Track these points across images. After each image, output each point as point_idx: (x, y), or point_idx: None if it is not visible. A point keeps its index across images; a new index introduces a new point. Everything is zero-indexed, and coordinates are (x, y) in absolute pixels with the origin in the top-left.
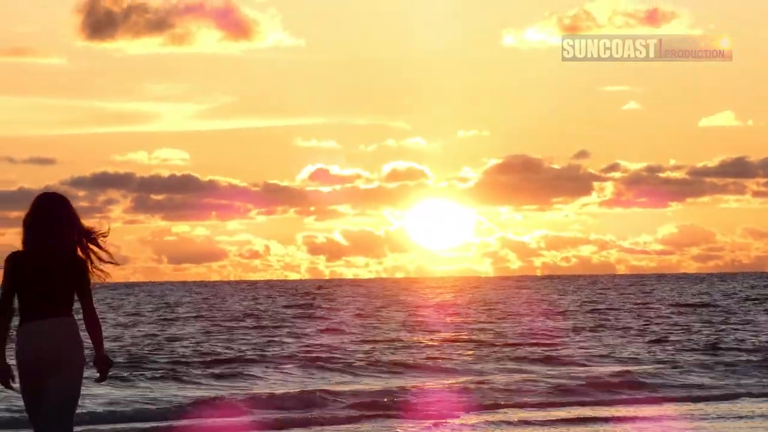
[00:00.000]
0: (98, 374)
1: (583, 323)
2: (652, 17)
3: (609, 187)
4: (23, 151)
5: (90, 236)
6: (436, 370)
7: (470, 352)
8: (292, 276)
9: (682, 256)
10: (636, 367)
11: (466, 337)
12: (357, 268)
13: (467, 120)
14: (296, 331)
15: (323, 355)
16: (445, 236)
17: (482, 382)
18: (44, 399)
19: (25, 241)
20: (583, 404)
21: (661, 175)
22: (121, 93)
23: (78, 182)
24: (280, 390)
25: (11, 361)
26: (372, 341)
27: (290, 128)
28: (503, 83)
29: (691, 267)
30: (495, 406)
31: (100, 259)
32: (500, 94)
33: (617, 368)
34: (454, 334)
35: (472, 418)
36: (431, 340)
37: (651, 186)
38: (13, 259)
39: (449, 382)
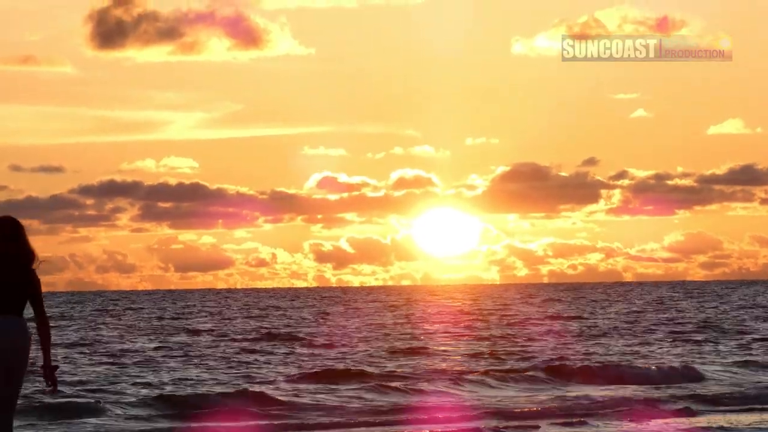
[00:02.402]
0: (49, 384)
1: None
2: (662, 25)
3: (617, 195)
4: (31, 160)
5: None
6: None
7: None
8: (299, 284)
9: (689, 264)
10: None
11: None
12: (364, 276)
13: (475, 128)
14: None
15: None
16: (452, 244)
17: None
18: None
19: None
20: None
21: (669, 182)
22: (130, 101)
23: (85, 190)
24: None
25: None
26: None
27: (298, 136)
28: (511, 91)
29: (698, 275)
30: None
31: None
32: (508, 102)
33: None
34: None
35: None
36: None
37: (659, 194)
38: None
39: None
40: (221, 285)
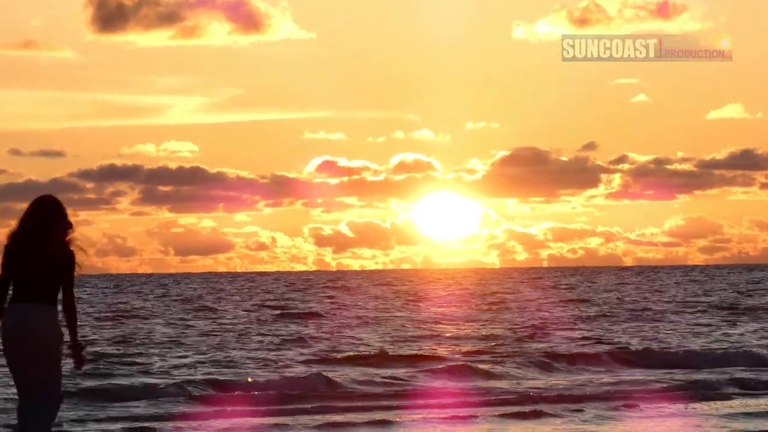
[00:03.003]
0: (75, 363)
1: None
2: (662, 10)
3: (616, 179)
4: (31, 144)
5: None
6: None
7: None
8: (299, 268)
9: (688, 248)
10: None
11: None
12: (364, 260)
13: (476, 112)
14: None
15: None
16: (452, 228)
17: None
18: (29, 374)
19: (14, 236)
20: None
21: (669, 167)
22: (130, 86)
23: (85, 174)
24: None
25: None
26: None
27: (299, 121)
28: (512, 76)
29: (698, 259)
30: None
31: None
32: (509, 87)
33: None
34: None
35: None
36: None
37: (659, 178)
38: (5, 251)
39: None
40: (221, 268)
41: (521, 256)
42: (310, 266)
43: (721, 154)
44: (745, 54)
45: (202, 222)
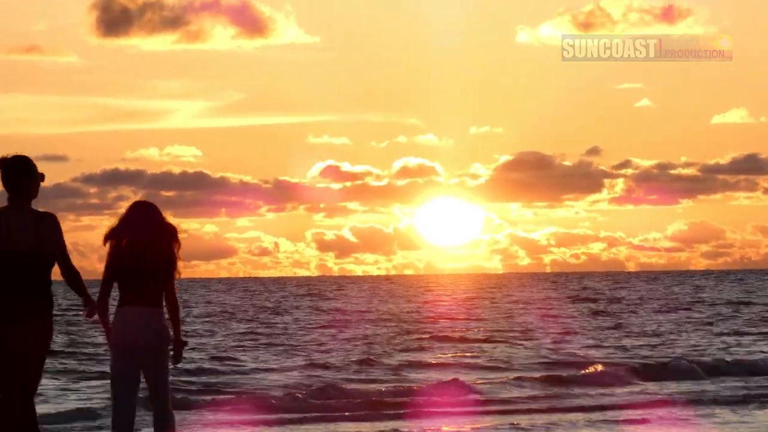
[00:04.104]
0: (174, 357)
1: None
2: (668, 14)
3: (620, 184)
4: (35, 148)
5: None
6: None
7: None
8: (301, 273)
9: (691, 253)
10: None
11: None
12: (366, 265)
13: (479, 117)
14: None
15: None
16: (455, 233)
17: None
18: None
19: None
20: None
21: (672, 172)
22: (134, 90)
23: (89, 179)
24: None
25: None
26: None
27: (302, 125)
28: (516, 80)
29: (700, 264)
30: None
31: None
32: (513, 91)
33: None
34: None
35: None
36: None
37: (662, 183)
38: (108, 254)
39: None
40: (223, 274)
41: (524, 261)
42: (313, 271)
43: (725, 159)
44: (749, 58)
45: (204, 227)
